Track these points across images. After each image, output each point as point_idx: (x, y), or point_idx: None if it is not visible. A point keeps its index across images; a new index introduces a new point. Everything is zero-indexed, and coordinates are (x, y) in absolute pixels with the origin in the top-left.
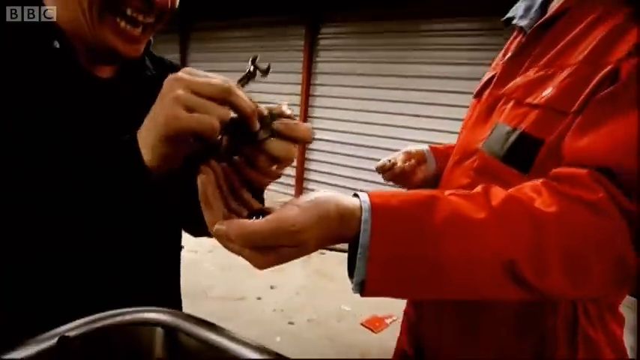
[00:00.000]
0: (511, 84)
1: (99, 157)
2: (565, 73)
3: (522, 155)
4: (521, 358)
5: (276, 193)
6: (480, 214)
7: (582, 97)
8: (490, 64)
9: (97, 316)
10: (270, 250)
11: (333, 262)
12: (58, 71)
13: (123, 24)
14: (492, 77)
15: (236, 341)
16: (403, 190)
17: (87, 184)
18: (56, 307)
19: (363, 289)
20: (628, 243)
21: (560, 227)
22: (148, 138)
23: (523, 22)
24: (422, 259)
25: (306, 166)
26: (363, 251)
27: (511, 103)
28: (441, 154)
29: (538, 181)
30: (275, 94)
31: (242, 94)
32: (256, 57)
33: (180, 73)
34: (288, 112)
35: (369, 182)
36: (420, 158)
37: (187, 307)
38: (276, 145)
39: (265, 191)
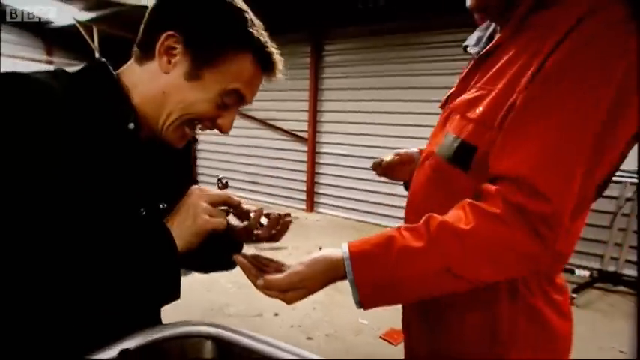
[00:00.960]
0: (457, 100)
1: (146, 237)
2: (492, 95)
3: (462, 158)
4: (477, 337)
5: (288, 208)
6: (420, 242)
7: (500, 116)
8: None
9: (152, 329)
10: (290, 291)
11: None
12: (126, 142)
13: (187, 130)
14: (449, 95)
15: (274, 346)
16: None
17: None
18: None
19: (362, 305)
20: (528, 240)
21: (477, 238)
22: (183, 233)
23: (473, 50)
24: (388, 282)
25: (315, 180)
26: (351, 283)
27: (457, 116)
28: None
29: (466, 203)
30: (284, 111)
31: (234, 197)
32: (219, 178)
33: (198, 191)
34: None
35: (376, 193)
36: (407, 158)
37: None
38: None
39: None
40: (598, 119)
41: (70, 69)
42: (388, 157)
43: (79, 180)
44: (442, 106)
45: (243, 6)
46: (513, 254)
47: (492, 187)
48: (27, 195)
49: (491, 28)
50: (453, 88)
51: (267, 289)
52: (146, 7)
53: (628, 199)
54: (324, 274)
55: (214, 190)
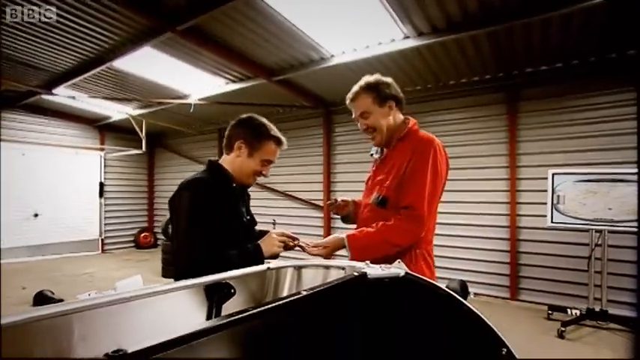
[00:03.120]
0: (376, 180)
1: (254, 248)
2: (390, 177)
3: (382, 202)
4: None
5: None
6: (374, 229)
7: (394, 184)
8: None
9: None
10: (323, 249)
11: None
12: (234, 190)
13: (253, 178)
14: (369, 176)
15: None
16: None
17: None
18: None
19: (354, 259)
20: (412, 226)
21: (394, 227)
22: (268, 250)
23: (377, 156)
24: (362, 246)
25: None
26: (348, 249)
27: (377, 187)
28: (356, 203)
29: (395, 217)
30: (302, 183)
31: (287, 237)
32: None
33: (275, 234)
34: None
35: None
36: (346, 202)
37: None
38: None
39: None
40: (435, 182)
41: (203, 167)
42: (339, 199)
43: (227, 206)
44: (366, 184)
45: (265, 121)
46: (405, 232)
47: (401, 210)
48: (218, 215)
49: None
50: (371, 173)
51: (315, 247)
52: (189, 105)
53: (597, 245)
54: (335, 243)
55: (280, 231)
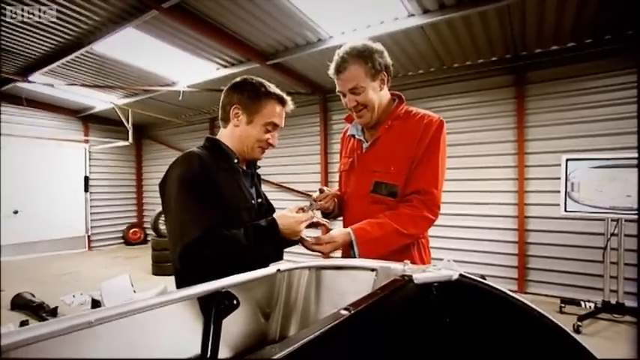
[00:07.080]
0: (373, 165)
1: (269, 223)
2: (396, 160)
3: (392, 192)
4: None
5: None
6: (385, 219)
7: (406, 169)
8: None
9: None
10: (327, 244)
11: None
12: (235, 167)
13: (260, 149)
14: (352, 161)
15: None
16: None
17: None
18: None
19: (360, 255)
20: (426, 212)
21: (406, 215)
22: (290, 228)
23: (361, 138)
24: (372, 239)
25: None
26: (354, 245)
27: (377, 173)
28: (337, 196)
29: (403, 203)
30: (299, 174)
31: (311, 214)
32: (312, 203)
33: (295, 216)
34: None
35: None
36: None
37: None
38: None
39: None
40: (444, 165)
41: (199, 143)
42: (325, 189)
43: (227, 183)
44: (350, 170)
45: (262, 80)
46: (421, 219)
47: (411, 196)
48: (212, 194)
49: (359, 126)
50: (352, 158)
51: (317, 244)
52: (178, 92)
53: (612, 234)
54: (342, 238)
55: (303, 215)
